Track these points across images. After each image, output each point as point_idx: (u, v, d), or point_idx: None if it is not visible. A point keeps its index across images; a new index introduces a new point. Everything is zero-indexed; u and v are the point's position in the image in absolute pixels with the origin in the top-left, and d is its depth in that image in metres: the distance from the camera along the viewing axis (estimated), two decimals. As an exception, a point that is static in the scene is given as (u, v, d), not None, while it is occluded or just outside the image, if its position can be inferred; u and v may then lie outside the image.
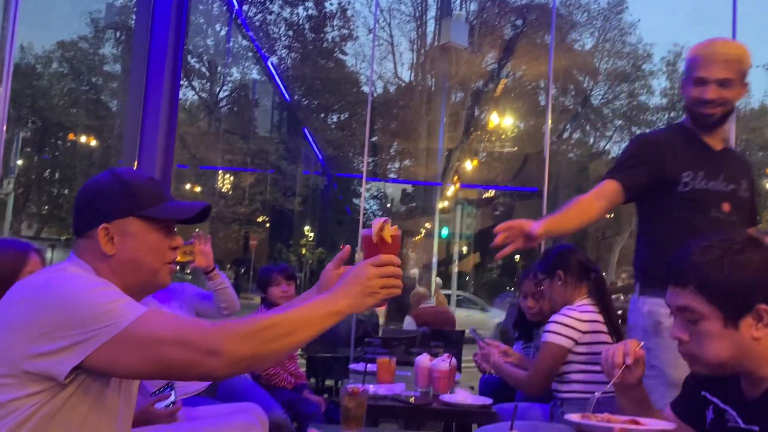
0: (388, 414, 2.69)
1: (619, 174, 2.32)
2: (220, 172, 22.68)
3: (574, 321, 2.52)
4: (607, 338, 2.53)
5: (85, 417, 1.24)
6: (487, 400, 2.67)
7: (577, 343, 2.51)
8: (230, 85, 23.95)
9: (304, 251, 25.28)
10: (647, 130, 24.76)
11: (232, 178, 23.56)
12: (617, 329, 2.60)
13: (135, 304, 1.24)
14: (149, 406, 1.84)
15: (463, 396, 2.71)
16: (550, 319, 2.60)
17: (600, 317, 2.58)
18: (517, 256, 25.99)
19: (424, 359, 2.86)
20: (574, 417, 1.47)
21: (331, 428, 2.08)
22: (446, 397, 2.67)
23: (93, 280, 1.27)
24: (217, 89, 23.45)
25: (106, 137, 21.31)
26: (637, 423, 1.40)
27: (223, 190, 23.35)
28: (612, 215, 24.24)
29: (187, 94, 22.74)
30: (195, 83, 23.07)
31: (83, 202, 1.38)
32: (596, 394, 1.51)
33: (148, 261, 1.36)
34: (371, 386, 2.75)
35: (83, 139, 22.01)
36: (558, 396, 2.61)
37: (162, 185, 1.44)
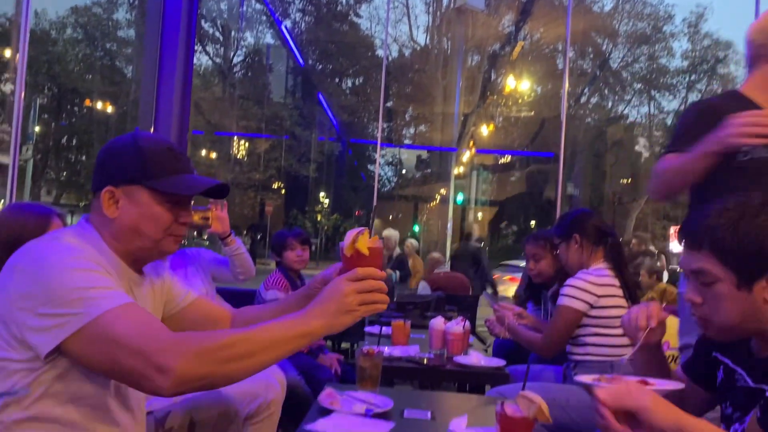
0: (403, 375, 2.74)
1: (683, 146, 2.23)
2: (235, 138, 22.71)
3: (590, 285, 2.53)
4: (622, 302, 2.54)
5: (65, 411, 1.21)
6: (501, 362, 2.70)
7: (592, 306, 2.52)
8: (244, 50, 23.83)
9: (319, 217, 25.40)
10: (667, 94, 24.42)
11: (247, 144, 23.60)
12: (633, 294, 2.61)
13: (111, 294, 1.17)
14: None
15: (477, 358, 2.74)
16: (565, 283, 2.61)
17: (616, 281, 2.58)
18: (533, 222, 25.93)
19: (438, 322, 2.89)
20: (585, 378, 1.49)
21: (347, 387, 2.11)
22: (460, 359, 2.70)
23: (81, 256, 1.22)
24: (231, 54, 23.32)
25: (122, 103, 21.37)
26: (647, 383, 1.42)
27: (238, 157, 23.42)
28: (629, 180, 24.03)
29: (201, 60, 22.69)
30: (209, 48, 22.99)
31: (99, 160, 1.37)
32: (624, 357, 1.52)
33: (150, 231, 1.32)
34: (386, 348, 2.79)
35: (99, 105, 22.09)
36: (572, 358, 2.63)
37: (181, 156, 1.39)
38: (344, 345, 5.43)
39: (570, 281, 2.57)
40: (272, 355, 1.19)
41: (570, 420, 2.38)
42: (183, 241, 2.47)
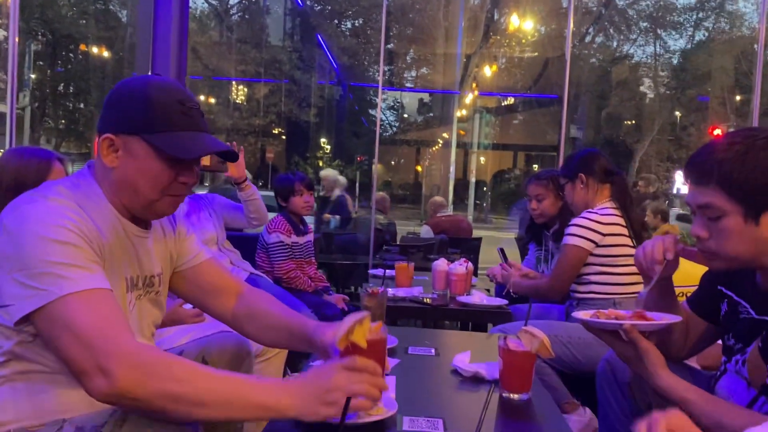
0: (407, 314, 2.78)
1: None
2: (234, 83, 22.40)
3: (595, 224, 2.54)
4: (628, 241, 2.55)
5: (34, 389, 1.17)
6: (503, 301, 2.74)
7: (597, 245, 2.54)
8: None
9: (320, 164, 25.33)
10: (673, 33, 23.86)
11: (246, 89, 23.30)
12: (638, 233, 2.62)
13: (81, 276, 1.10)
14: (177, 306, 1.89)
15: (479, 297, 2.78)
16: (570, 222, 2.62)
17: (621, 220, 2.58)
18: (536, 165, 25.82)
19: (441, 263, 2.92)
20: (582, 315, 1.51)
21: (353, 326, 2.15)
22: (463, 299, 2.74)
23: (61, 225, 1.14)
24: (228, -4, 22.75)
25: (119, 48, 21.00)
26: (645, 318, 1.44)
27: (237, 102, 23.15)
28: (633, 122, 23.78)
29: (197, 2, 22.13)
30: (204, -10, 22.41)
31: (106, 102, 1.29)
32: (643, 291, 1.53)
33: (146, 189, 1.25)
34: (390, 289, 2.83)
35: (95, 50, 21.71)
36: (574, 296, 2.67)
37: (193, 111, 1.29)
38: (348, 290, 5.51)
39: (575, 220, 2.58)
40: (222, 415, 1.06)
41: (572, 357, 2.44)
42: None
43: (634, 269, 2.45)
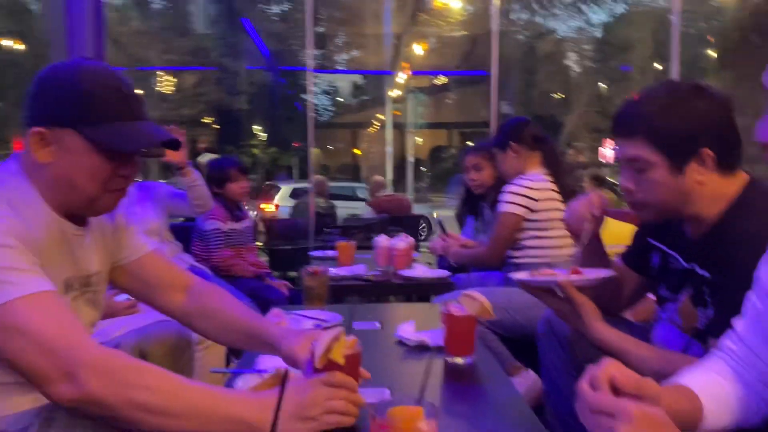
0: (350, 293, 2.78)
1: None
2: (161, 73, 21.68)
3: (527, 189, 2.59)
4: (560, 206, 2.62)
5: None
6: (445, 272, 2.78)
7: (531, 210, 2.60)
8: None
9: (256, 151, 24.91)
10: (595, 6, 24.52)
11: (173, 79, 22.60)
12: (569, 198, 2.69)
13: (25, 279, 1.03)
14: (109, 299, 1.82)
15: (422, 270, 2.80)
16: (503, 189, 2.66)
17: (553, 186, 2.65)
18: (470, 142, 26.19)
19: (382, 239, 2.93)
20: (521, 275, 1.54)
21: (295, 307, 2.13)
22: (405, 272, 2.76)
23: None
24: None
25: (33, 42, 19.95)
26: (579, 273, 1.48)
27: (165, 92, 22.44)
28: (561, 96, 24.41)
29: (115, -9, 21.27)
30: (121, -22, 21.51)
31: (32, 91, 1.17)
32: (575, 250, 1.57)
33: (84, 185, 1.17)
34: (332, 269, 2.82)
35: (8, 44, 20.55)
36: (511, 262, 2.72)
37: (132, 99, 1.20)
38: (291, 274, 5.46)
39: (508, 188, 2.63)
40: (194, 427, 1.00)
41: (512, 320, 2.49)
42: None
43: (567, 233, 2.53)
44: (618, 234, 2.42)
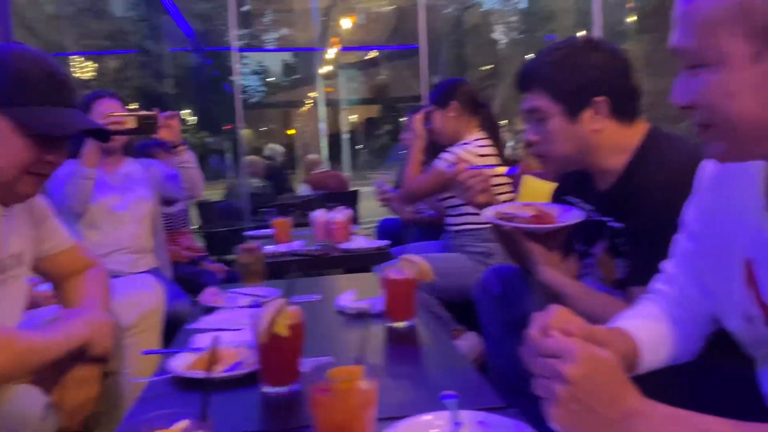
0: (289, 269, 2.73)
1: None
2: (80, 58, 20.67)
3: (470, 156, 2.58)
4: (495, 163, 2.62)
5: None
6: (385, 242, 2.77)
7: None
8: (72, -42, 21.29)
9: (185, 136, 24.16)
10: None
11: (94, 64, 21.60)
12: (508, 162, 2.72)
13: None
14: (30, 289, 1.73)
15: (362, 242, 2.79)
16: (448, 149, 2.63)
17: (494, 150, 2.65)
18: (403, 118, 26.24)
19: (320, 213, 2.90)
20: (489, 214, 1.53)
21: (232, 285, 2.08)
22: (345, 245, 2.74)
23: None
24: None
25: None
26: (541, 220, 1.48)
27: (85, 78, 21.43)
28: (492, 67, 24.74)
29: (23, -27, 20.08)
30: (29, -41, 20.32)
31: None
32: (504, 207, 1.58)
33: (5, 168, 1.14)
34: (270, 246, 2.77)
35: None
36: (450, 229, 2.74)
37: (64, 86, 1.19)
38: (229, 257, 5.35)
39: (452, 149, 2.60)
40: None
41: (452, 285, 2.51)
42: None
43: (505, 198, 2.56)
44: (539, 192, 2.47)
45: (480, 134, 2.67)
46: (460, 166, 1.67)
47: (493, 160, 2.62)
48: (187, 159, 2.67)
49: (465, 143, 2.61)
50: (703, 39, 0.79)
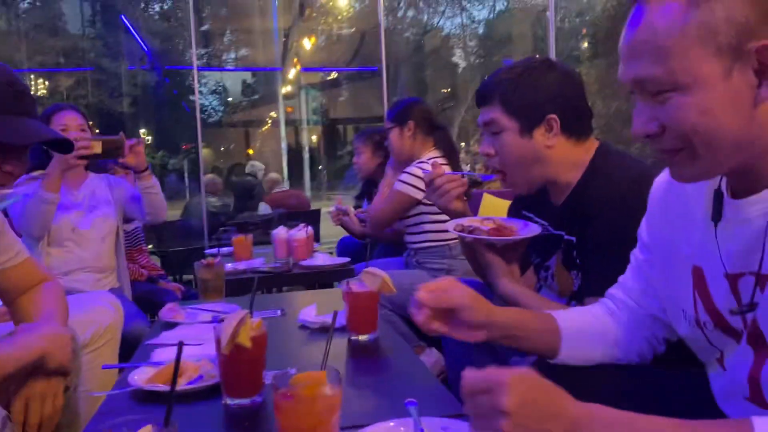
0: (249, 286, 2.71)
1: None
2: (32, 75, 20.19)
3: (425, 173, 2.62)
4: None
5: None
6: (346, 259, 2.78)
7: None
8: (26, -26, 20.88)
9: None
10: (477, 4, 25.47)
11: (46, 81, 21.11)
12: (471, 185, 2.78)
13: None
14: None
15: (323, 259, 2.79)
16: (404, 170, 2.67)
17: (449, 169, 2.70)
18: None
19: (281, 231, 2.88)
20: (451, 225, 1.57)
21: (191, 302, 2.05)
22: (306, 262, 2.74)
23: None
24: (11, -20, 20.37)
25: None
26: (500, 233, 1.52)
27: (37, 95, 20.92)
28: (449, 90, 25.13)
29: (-26, -12, 19.60)
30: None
31: None
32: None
33: None
34: (229, 264, 2.74)
35: None
36: (411, 247, 2.77)
37: (24, 96, 1.19)
38: (186, 277, 5.27)
39: (407, 169, 2.65)
40: None
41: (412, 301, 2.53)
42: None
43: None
44: (498, 209, 2.53)
45: (436, 153, 2.72)
46: (439, 170, 1.68)
47: None
48: (152, 184, 2.64)
49: (420, 161, 2.65)
50: (672, 64, 0.80)
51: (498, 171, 1.51)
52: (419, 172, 2.60)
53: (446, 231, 2.66)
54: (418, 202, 2.64)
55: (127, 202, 2.70)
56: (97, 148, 2.31)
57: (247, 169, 7.88)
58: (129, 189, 2.73)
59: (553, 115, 1.42)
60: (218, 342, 1.10)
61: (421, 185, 2.62)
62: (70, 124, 2.40)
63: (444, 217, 2.68)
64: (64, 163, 2.26)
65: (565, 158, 1.44)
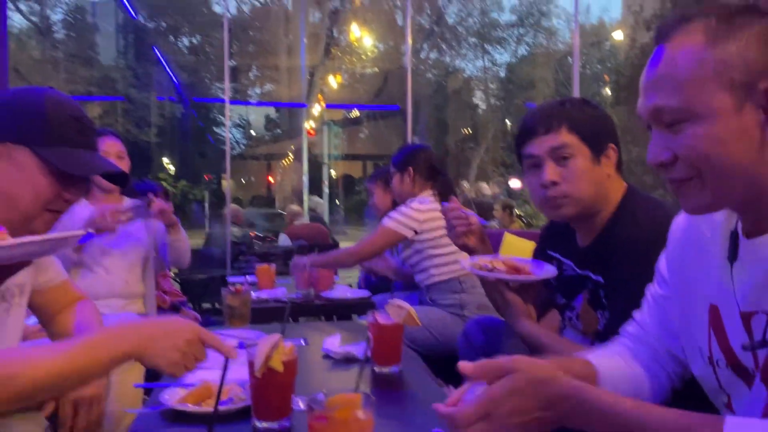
0: (271, 316, 2.74)
1: None
2: (63, 103, 20.72)
3: (413, 211, 2.68)
4: (444, 222, 2.68)
5: None
6: (366, 293, 2.80)
7: (416, 232, 2.67)
8: (65, 6, 21.64)
9: (165, 184, 24.10)
10: (499, 47, 25.85)
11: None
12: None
13: None
14: None
15: (343, 291, 2.81)
16: (395, 209, 2.74)
17: (436, 204, 2.72)
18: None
19: (301, 260, 2.92)
20: (466, 263, 1.58)
21: (217, 327, 2.09)
22: (327, 294, 2.76)
23: None
24: (49, 12, 21.11)
25: None
26: (517, 271, 1.54)
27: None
28: (469, 130, 25.33)
29: (14, 19, 20.32)
30: (22, 6, 20.61)
31: None
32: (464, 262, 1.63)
33: (26, 202, 1.19)
34: (253, 292, 2.77)
35: None
36: (422, 285, 2.79)
37: (88, 130, 1.26)
38: (206, 305, 5.31)
39: (398, 207, 2.71)
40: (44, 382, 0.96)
41: (432, 338, 2.55)
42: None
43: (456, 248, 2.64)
44: (519, 250, 2.54)
45: (430, 196, 2.76)
46: (452, 205, 1.71)
47: (437, 215, 2.65)
48: (180, 237, 2.70)
49: (412, 201, 2.73)
50: (689, 96, 0.85)
51: (559, 197, 1.46)
52: (409, 212, 2.67)
53: (446, 264, 2.69)
54: (407, 240, 2.68)
55: (157, 242, 2.74)
56: (128, 214, 2.39)
57: (310, 205, 7.96)
58: (160, 232, 2.75)
59: (613, 145, 1.46)
60: (251, 365, 1.13)
61: (409, 223, 2.67)
62: (110, 150, 2.47)
63: (439, 251, 2.71)
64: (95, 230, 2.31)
65: (611, 191, 1.47)
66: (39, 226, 1.24)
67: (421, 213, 2.67)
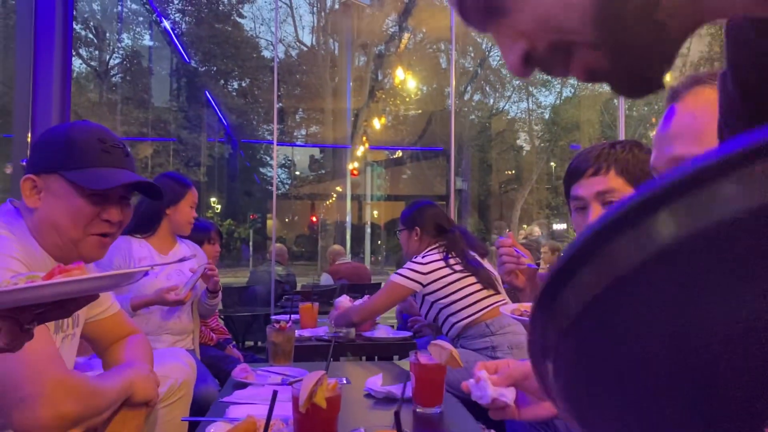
0: (313, 354, 2.77)
1: None
2: (117, 144, 21.58)
3: (417, 265, 2.70)
4: (448, 272, 2.69)
5: None
6: (407, 333, 2.80)
7: (423, 285, 2.67)
8: (122, 52, 22.72)
9: (212, 220, 24.59)
10: (543, 89, 25.89)
11: (130, 149, 22.50)
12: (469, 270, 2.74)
13: None
14: None
15: (385, 331, 2.82)
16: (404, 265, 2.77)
17: (439, 256, 2.72)
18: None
19: (344, 300, 2.95)
20: (507, 309, 1.58)
21: (261, 364, 2.12)
22: (368, 333, 2.78)
23: (12, 254, 1.16)
24: (107, 57, 22.18)
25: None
26: None
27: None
28: (513, 171, 25.25)
29: (74, 63, 21.43)
30: (82, 51, 21.72)
31: (33, 144, 1.35)
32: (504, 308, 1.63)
33: (66, 226, 1.25)
34: (296, 331, 2.81)
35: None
36: (449, 336, 2.78)
37: (113, 148, 1.31)
38: (248, 342, 5.36)
39: (407, 264, 2.75)
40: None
41: (464, 379, 2.52)
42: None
43: (473, 289, 2.62)
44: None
45: (435, 250, 2.77)
46: (507, 241, 1.72)
47: (438, 264, 2.69)
48: (217, 303, 2.86)
49: (418, 256, 2.76)
50: (708, 143, 0.87)
51: None
52: (414, 266, 2.70)
53: (461, 309, 2.66)
54: (414, 293, 2.69)
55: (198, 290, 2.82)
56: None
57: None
58: (204, 288, 2.85)
59: None
60: (295, 401, 1.15)
61: (415, 277, 2.68)
62: (195, 199, 2.69)
63: (450, 299, 2.68)
64: (162, 301, 2.45)
65: None
66: (87, 250, 1.29)
67: (423, 266, 2.70)
